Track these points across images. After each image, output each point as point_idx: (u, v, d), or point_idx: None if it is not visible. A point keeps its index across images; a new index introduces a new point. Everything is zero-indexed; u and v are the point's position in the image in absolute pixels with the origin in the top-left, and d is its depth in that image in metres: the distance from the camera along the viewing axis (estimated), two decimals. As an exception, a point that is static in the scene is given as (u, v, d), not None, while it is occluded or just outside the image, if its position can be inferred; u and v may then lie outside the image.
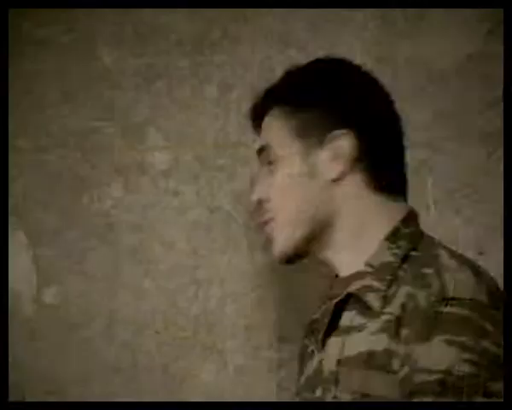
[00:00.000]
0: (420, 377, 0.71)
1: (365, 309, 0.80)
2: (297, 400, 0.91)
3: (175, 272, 1.20)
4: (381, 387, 0.75)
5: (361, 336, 0.79)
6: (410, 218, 0.87)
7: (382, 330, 0.77)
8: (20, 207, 1.22)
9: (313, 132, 0.86)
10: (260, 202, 0.91)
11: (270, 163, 0.89)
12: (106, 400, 1.19)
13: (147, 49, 1.24)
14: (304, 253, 0.89)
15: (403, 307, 0.75)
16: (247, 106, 1.03)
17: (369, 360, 0.76)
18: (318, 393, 0.83)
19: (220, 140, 1.21)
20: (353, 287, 0.82)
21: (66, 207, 1.22)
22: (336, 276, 0.89)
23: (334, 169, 0.85)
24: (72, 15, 1.26)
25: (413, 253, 0.82)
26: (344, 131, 0.84)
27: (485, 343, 0.71)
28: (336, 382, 0.79)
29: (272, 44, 1.20)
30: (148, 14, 1.24)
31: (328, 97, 0.87)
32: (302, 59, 1.09)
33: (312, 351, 0.88)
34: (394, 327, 0.75)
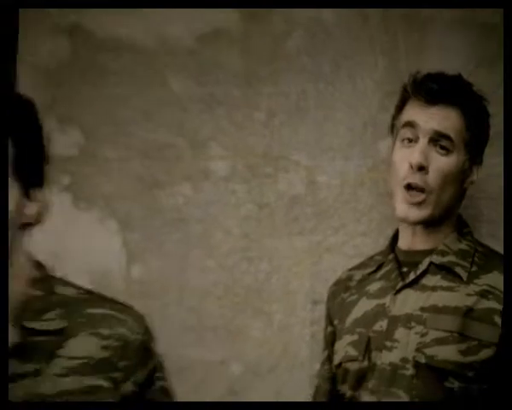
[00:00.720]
0: None
1: (452, 277, 1.17)
2: (345, 336, 1.24)
3: (232, 252, 1.51)
4: (480, 333, 1.12)
5: (452, 295, 1.16)
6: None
7: (481, 295, 1.15)
8: (113, 202, 1.56)
9: None
10: None
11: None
12: (178, 352, 1.48)
13: (209, 81, 1.56)
14: None
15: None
16: (287, 128, 1.37)
17: (468, 313, 1.14)
18: (380, 326, 1.18)
19: (266, 154, 1.52)
20: (438, 259, 1.19)
21: (149, 202, 1.54)
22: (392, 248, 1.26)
23: None
24: (147, 51, 1.57)
25: (478, 247, 1.22)
26: None
27: None
28: (423, 322, 1.15)
29: (306, 80, 1.51)
30: (208, 52, 1.55)
31: None
32: (328, 92, 1.43)
33: (356, 299, 1.24)
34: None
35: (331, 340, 1.31)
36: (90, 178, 1.56)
